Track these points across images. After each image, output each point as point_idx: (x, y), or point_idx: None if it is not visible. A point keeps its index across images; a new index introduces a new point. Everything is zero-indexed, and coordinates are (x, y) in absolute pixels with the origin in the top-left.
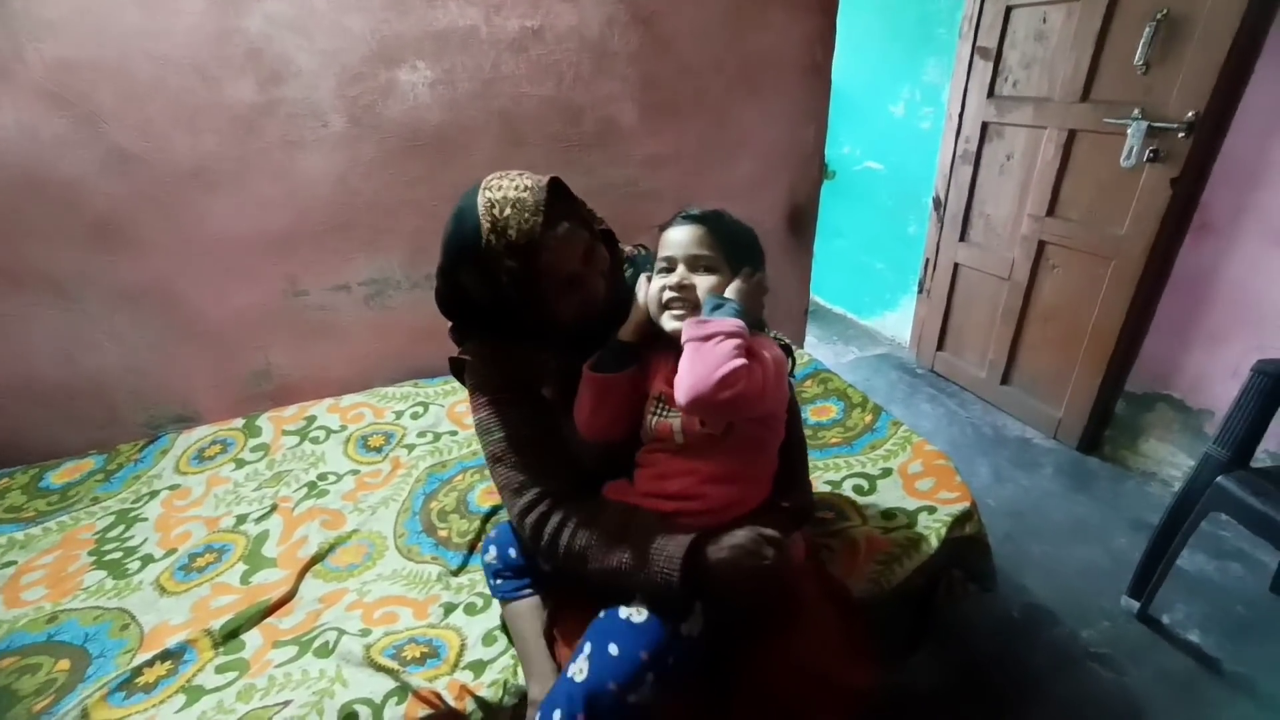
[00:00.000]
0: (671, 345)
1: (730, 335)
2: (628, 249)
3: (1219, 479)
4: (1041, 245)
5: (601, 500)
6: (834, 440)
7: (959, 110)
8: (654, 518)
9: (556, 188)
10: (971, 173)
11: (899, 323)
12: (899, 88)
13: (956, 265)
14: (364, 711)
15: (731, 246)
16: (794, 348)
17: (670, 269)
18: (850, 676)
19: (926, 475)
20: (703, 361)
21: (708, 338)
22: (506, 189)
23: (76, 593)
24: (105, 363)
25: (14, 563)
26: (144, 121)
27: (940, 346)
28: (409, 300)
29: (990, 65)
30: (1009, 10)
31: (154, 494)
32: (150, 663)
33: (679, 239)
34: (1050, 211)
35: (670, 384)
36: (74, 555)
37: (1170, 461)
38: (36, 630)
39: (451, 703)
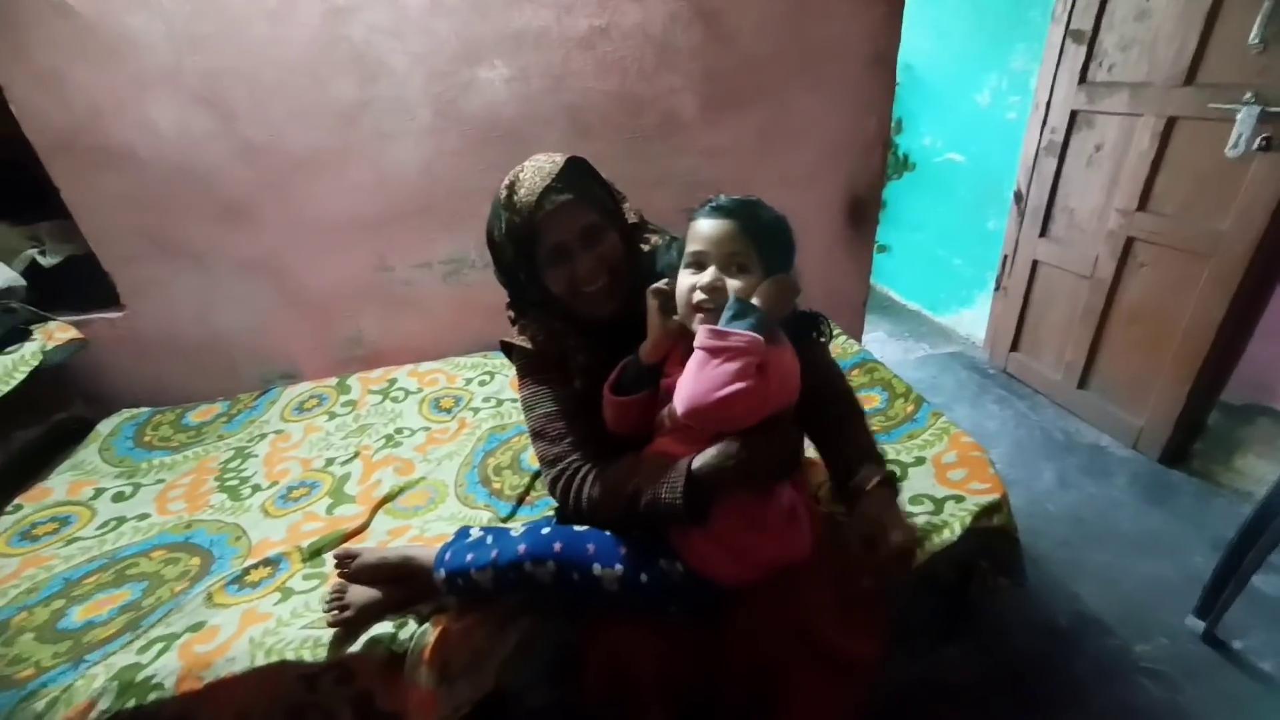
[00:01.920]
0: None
1: (741, 353)
2: (653, 239)
3: None
4: (1129, 242)
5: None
6: (874, 429)
7: (1046, 99)
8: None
9: (574, 165)
10: (1056, 164)
11: (974, 321)
12: (985, 76)
13: (1036, 262)
14: (413, 618)
15: (764, 242)
16: (830, 325)
17: (700, 266)
18: (839, 644)
19: (960, 466)
20: (707, 379)
21: (718, 352)
22: (537, 159)
23: (205, 508)
24: (230, 323)
25: (163, 480)
26: (268, 118)
27: (1015, 347)
28: (483, 279)
29: (1083, 49)
30: None
31: (263, 436)
32: (255, 566)
33: (710, 233)
34: (1141, 206)
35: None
36: (204, 479)
37: (1272, 481)
38: (178, 533)
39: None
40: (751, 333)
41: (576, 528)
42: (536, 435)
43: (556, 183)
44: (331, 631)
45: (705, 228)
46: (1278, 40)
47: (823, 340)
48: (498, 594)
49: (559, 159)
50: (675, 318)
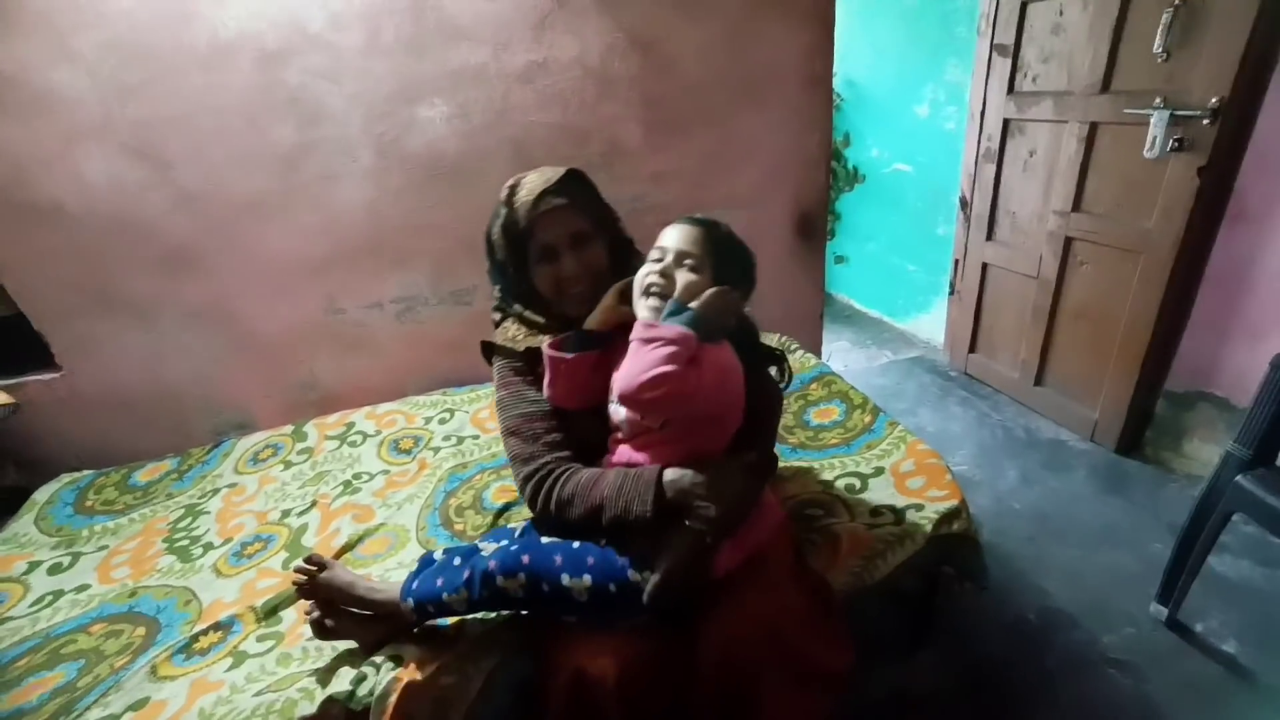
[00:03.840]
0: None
1: (669, 342)
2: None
3: (1238, 478)
4: (1068, 242)
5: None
6: (833, 441)
7: (980, 109)
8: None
9: (574, 175)
10: (995, 171)
11: (933, 325)
12: (922, 88)
13: (985, 265)
14: (370, 671)
15: (720, 253)
16: (786, 355)
17: (659, 260)
18: (812, 655)
19: (917, 474)
20: (636, 362)
21: (648, 340)
22: (542, 168)
23: (152, 573)
24: (178, 375)
25: (106, 547)
26: (206, 165)
27: (972, 348)
28: (436, 315)
29: (1009, 62)
30: (1025, 5)
31: (216, 491)
32: (205, 631)
33: (675, 235)
34: (1075, 207)
35: None
36: (152, 542)
37: (1216, 464)
38: (121, 603)
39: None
40: (682, 328)
41: (544, 540)
42: (511, 433)
43: (555, 187)
44: (285, 697)
45: (672, 230)
46: (1179, 48)
47: (779, 381)
48: (470, 611)
49: (561, 170)
50: (624, 307)
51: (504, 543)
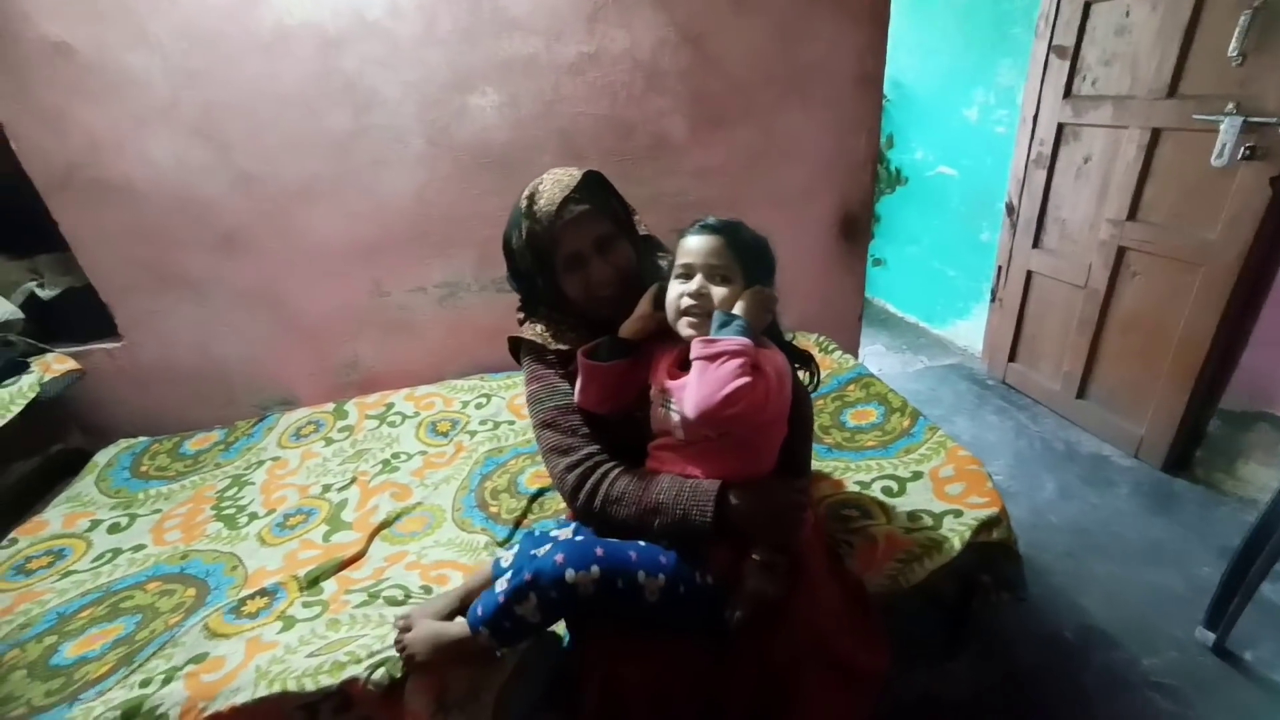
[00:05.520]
0: (674, 340)
1: (735, 354)
2: (669, 257)
3: None
4: (1121, 251)
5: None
6: (870, 443)
7: (1033, 112)
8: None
9: (592, 178)
10: (1046, 177)
11: (971, 332)
12: (972, 91)
13: (1030, 273)
14: None
15: (746, 257)
16: (814, 357)
17: (688, 276)
18: (850, 654)
19: (957, 480)
20: (709, 381)
21: (714, 357)
22: (556, 173)
23: (201, 538)
24: (228, 352)
25: (160, 510)
26: (263, 149)
27: (1012, 357)
28: (478, 302)
29: (1067, 64)
30: (1088, 5)
31: (261, 463)
32: (252, 596)
33: (697, 247)
34: (1131, 215)
35: (672, 377)
36: (201, 509)
37: (1274, 488)
38: (173, 564)
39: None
40: (740, 336)
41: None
42: (547, 425)
43: (575, 194)
44: (333, 659)
45: (693, 243)
46: (1256, 52)
47: (807, 384)
48: (545, 621)
49: (576, 172)
50: (659, 313)
51: (554, 537)
